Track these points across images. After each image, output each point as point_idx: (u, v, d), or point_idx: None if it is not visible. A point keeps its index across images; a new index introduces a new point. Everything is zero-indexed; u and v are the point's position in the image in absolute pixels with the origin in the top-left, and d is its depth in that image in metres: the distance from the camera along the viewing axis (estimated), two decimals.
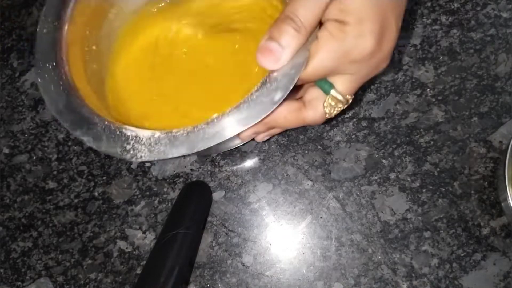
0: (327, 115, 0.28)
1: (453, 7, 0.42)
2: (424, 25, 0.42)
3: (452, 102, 0.40)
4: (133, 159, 0.26)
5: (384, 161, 0.39)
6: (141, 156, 0.26)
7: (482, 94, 0.40)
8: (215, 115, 0.26)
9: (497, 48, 0.41)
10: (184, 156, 0.41)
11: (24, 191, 0.41)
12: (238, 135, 0.26)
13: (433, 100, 0.40)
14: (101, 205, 0.40)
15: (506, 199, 0.34)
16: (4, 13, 0.47)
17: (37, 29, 0.30)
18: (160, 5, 0.36)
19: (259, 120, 0.25)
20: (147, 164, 0.41)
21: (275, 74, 0.25)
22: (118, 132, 0.26)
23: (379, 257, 0.37)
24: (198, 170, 0.41)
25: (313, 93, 0.28)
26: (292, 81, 0.25)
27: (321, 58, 0.25)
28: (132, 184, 0.41)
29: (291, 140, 0.41)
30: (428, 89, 0.41)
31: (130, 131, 0.26)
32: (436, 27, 0.42)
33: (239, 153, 0.41)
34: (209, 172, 0.40)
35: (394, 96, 0.41)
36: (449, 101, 0.40)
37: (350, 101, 0.28)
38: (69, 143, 0.42)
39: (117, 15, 0.34)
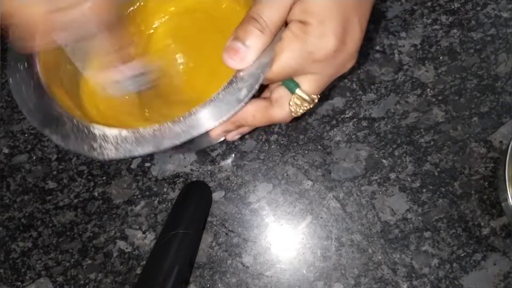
0: (293, 114, 0.29)
1: (453, 7, 0.42)
2: (424, 25, 0.42)
3: (452, 102, 0.40)
4: (100, 157, 0.26)
5: (384, 161, 0.39)
6: (107, 154, 0.26)
7: (482, 94, 0.40)
8: (182, 114, 0.26)
9: (497, 48, 0.41)
10: (184, 157, 0.41)
11: (24, 191, 0.41)
12: (207, 133, 0.27)
13: (433, 100, 0.40)
14: (101, 205, 0.40)
15: (506, 199, 0.34)
16: None
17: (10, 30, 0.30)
18: (135, 6, 0.36)
19: (226, 118, 0.26)
20: (147, 164, 0.41)
21: (241, 73, 0.26)
22: (86, 131, 0.27)
23: (379, 257, 0.37)
24: (198, 170, 0.41)
25: (279, 92, 0.28)
26: (258, 80, 0.26)
27: (285, 58, 0.26)
28: (132, 184, 0.41)
29: (291, 140, 0.41)
30: (428, 89, 0.40)
31: (98, 129, 0.27)
32: (436, 27, 0.42)
33: (239, 153, 0.41)
34: (209, 172, 0.40)
35: (394, 96, 0.41)
36: (449, 101, 0.40)
37: (316, 100, 0.29)
38: None
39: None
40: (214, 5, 0.37)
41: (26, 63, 0.29)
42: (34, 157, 0.42)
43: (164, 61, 0.37)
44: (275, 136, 0.41)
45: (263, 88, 0.31)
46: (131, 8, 0.37)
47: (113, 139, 0.26)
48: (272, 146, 0.41)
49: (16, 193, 0.41)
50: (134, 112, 0.34)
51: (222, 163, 0.41)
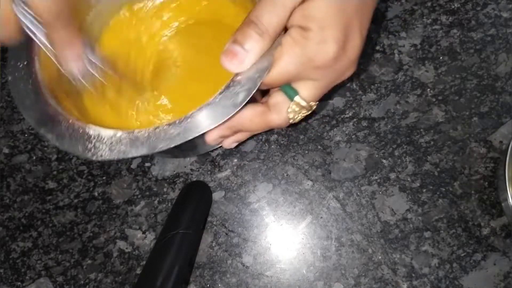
0: (290, 120, 0.29)
1: (453, 7, 0.42)
2: (424, 25, 0.42)
3: (452, 102, 0.40)
4: (94, 158, 0.26)
5: (384, 161, 0.39)
6: (101, 155, 0.26)
7: (482, 94, 0.40)
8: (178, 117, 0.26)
9: (497, 48, 0.41)
10: (184, 157, 0.41)
11: (24, 191, 0.41)
12: (203, 138, 0.26)
13: (433, 100, 0.40)
14: (101, 205, 0.40)
15: (506, 199, 0.34)
16: None
17: None
18: (138, 6, 0.36)
19: (222, 122, 0.26)
20: (147, 164, 0.41)
21: (239, 77, 0.26)
22: (80, 131, 0.27)
23: (379, 257, 0.37)
24: (198, 170, 0.41)
25: (277, 98, 0.28)
26: (255, 85, 0.26)
27: (285, 64, 0.26)
28: (132, 184, 0.41)
29: (291, 140, 0.41)
30: (428, 89, 0.40)
31: (93, 130, 0.27)
32: (436, 27, 0.42)
33: (239, 153, 0.41)
34: (209, 172, 0.40)
35: (394, 96, 0.41)
36: (449, 101, 0.40)
37: (314, 107, 0.29)
38: None
39: (96, 18, 0.34)
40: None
41: (26, 62, 0.29)
42: (34, 157, 0.42)
43: (165, 63, 0.36)
44: (275, 136, 0.41)
45: (265, 93, 0.31)
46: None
47: (107, 140, 0.26)
48: (272, 146, 0.41)
49: (16, 193, 0.41)
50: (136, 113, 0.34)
51: (222, 163, 0.41)
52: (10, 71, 0.29)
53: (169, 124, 0.26)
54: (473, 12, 0.42)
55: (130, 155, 0.26)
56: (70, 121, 0.27)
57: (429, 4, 0.42)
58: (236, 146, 0.41)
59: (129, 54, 0.36)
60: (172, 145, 0.26)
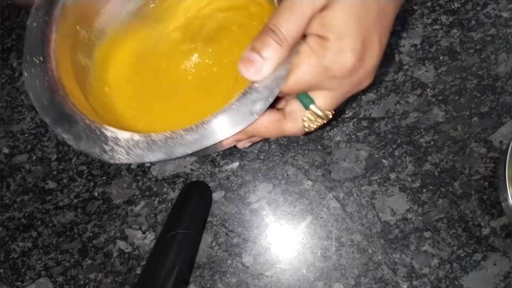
0: (305, 129, 0.28)
1: (453, 7, 0.42)
2: (424, 25, 0.42)
3: (453, 102, 0.40)
4: (111, 161, 0.26)
5: (384, 161, 0.39)
6: (119, 158, 0.26)
7: (482, 94, 0.40)
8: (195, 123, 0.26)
9: (497, 48, 0.41)
10: (184, 157, 0.41)
11: (24, 191, 0.41)
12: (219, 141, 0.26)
13: (434, 100, 0.40)
14: (101, 205, 0.40)
15: (506, 199, 0.34)
16: (4, 13, 0.46)
17: (27, 22, 0.29)
18: (152, 6, 0.36)
19: (238, 130, 0.25)
20: (147, 164, 0.41)
21: (256, 85, 0.26)
22: (98, 132, 0.26)
23: (379, 257, 0.37)
24: (198, 170, 0.41)
25: (293, 106, 0.28)
26: (273, 93, 0.25)
27: (302, 73, 0.25)
28: (132, 184, 0.41)
29: (291, 140, 0.41)
30: (429, 89, 0.40)
31: (110, 132, 0.26)
32: (437, 27, 0.42)
33: (239, 153, 0.41)
34: (209, 172, 0.40)
35: (394, 96, 0.41)
36: (450, 101, 0.40)
37: (330, 116, 0.28)
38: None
39: (110, 15, 0.34)
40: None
41: (41, 57, 0.28)
42: (34, 157, 0.42)
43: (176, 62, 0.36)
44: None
45: (278, 98, 0.31)
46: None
47: (125, 143, 0.26)
48: (272, 146, 0.41)
49: (16, 193, 0.41)
50: (144, 116, 0.34)
51: (222, 163, 0.41)
52: (26, 67, 0.28)
53: (186, 130, 0.25)
54: (473, 12, 0.42)
55: (147, 160, 0.25)
56: (87, 121, 0.27)
57: (429, 4, 0.42)
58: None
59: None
60: (189, 152, 0.25)
